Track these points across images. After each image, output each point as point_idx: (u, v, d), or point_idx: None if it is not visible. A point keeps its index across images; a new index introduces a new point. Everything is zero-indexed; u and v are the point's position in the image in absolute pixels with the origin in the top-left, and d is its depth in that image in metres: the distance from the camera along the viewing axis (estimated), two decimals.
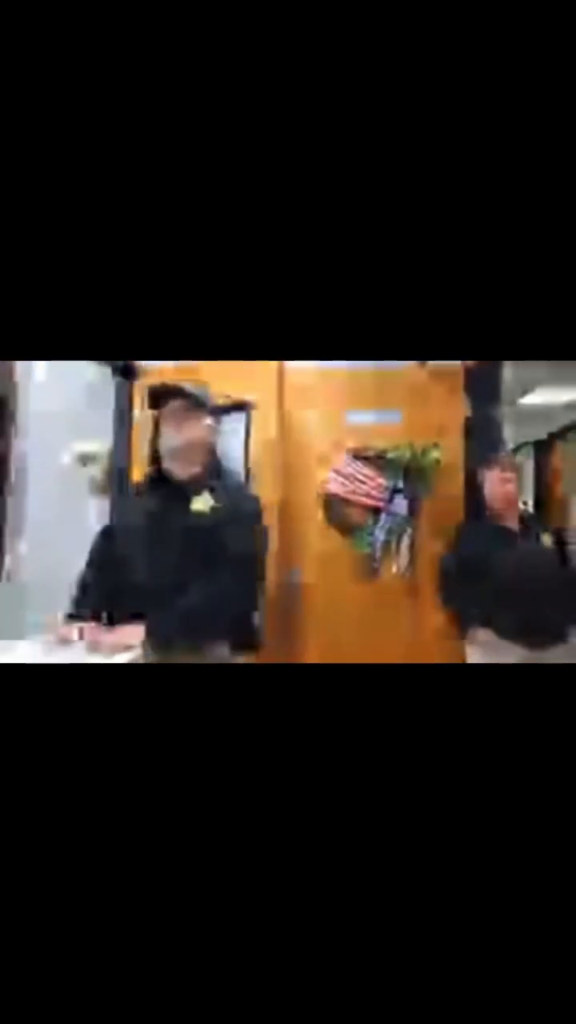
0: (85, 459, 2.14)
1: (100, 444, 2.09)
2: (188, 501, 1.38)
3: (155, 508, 1.40)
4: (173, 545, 1.34)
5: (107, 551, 1.46)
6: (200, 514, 1.37)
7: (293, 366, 2.22)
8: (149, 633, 1.25)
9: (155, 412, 1.43)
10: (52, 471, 1.98)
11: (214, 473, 1.46)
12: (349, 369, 2.17)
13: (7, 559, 1.81)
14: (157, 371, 2.25)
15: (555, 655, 1.78)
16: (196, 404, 1.41)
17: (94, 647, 1.20)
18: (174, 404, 1.40)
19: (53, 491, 1.62)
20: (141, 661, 1.17)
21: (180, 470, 1.43)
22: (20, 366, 1.90)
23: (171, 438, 1.40)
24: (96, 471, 2.08)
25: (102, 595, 1.40)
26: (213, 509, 1.38)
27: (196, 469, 1.43)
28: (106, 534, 1.51)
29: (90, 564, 1.47)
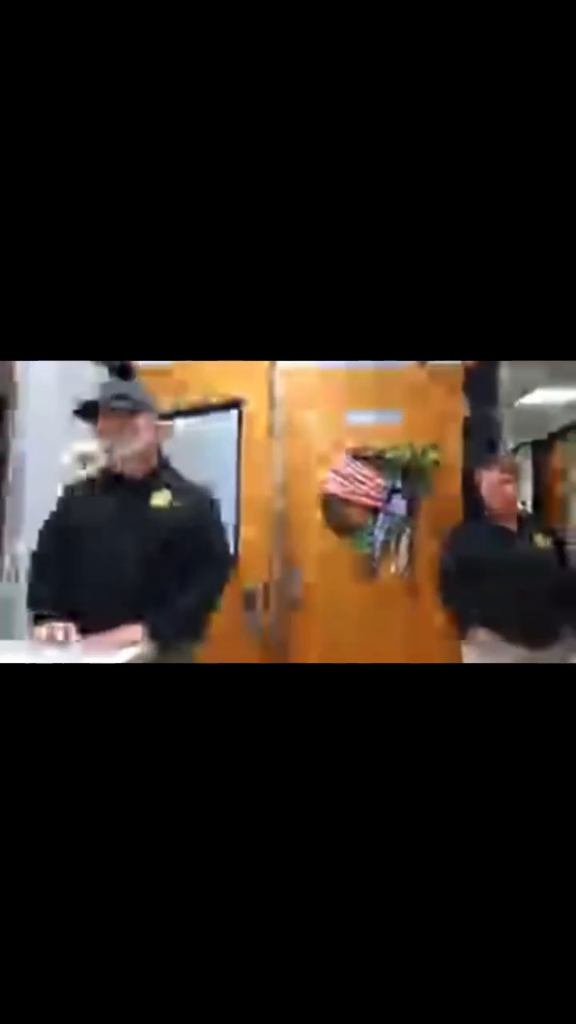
0: (84, 459, 2.13)
1: (99, 444, 2.09)
2: (146, 498, 1.39)
3: (113, 506, 1.39)
4: (136, 542, 1.34)
5: (60, 548, 1.42)
6: (159, 509, 1.38)
7: (293, 366, 2.22)
8: (150, 635, 1.26)
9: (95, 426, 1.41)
10: (51, 471, 1.97)
11: (166, 471, 1.47)
12: (349, 369, 2.17)
13: (6, 559, 1.81)
14: (166, 371, 2.27)
15: (553, 655, 1.79)
16: (127, 414, 1.38)
17: (93, 647, 1.20)
18: (104, 420, 1.38)
19: (52, 491, 1.62)
20: (141, 660, 1.17)
21: (134, 472, 1.43)
22: (20, 366, 1.90)
23: (117, 449, 1.39)
24: (95, 469, 2.08)
25: (59, 593, 1.37)
26: (173, 507, 1.39)
27: (147, 467, 1.44)
28: (52, 530, 1.47)
29: (43, 562, 1.45)
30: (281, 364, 2.23)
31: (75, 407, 1.40)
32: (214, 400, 2.35)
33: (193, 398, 2.36)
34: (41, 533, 1.49)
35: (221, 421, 2.38)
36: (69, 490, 1.51)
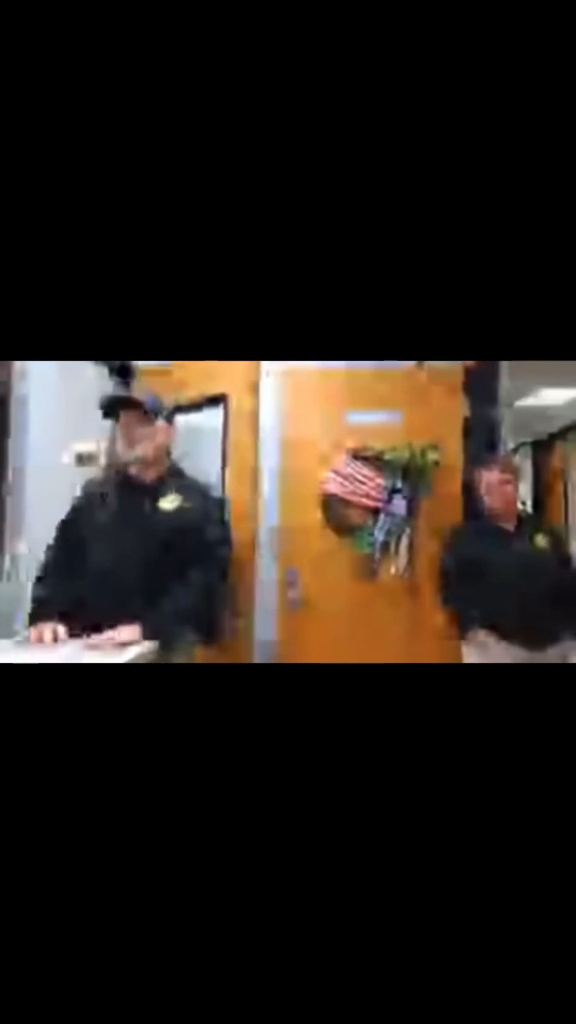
0: (84, 459, 2.13)
1: (99, 444, 2.09)
2: (155, 501, 1.42)
3: (123, 509, 1.42)
4: (143, 545, 1.36)
5: (70, 550, 1.45)
6: (168, 512, 1.41)
7: (293, 366, 2.22)
8: (148, 634, 1.26)
9: (113, 423, 1.46)
10: (52, 471, 1.98)
11: (175, 473, 1.50)
12: (349, 369, 2.17)
13: (6, 559, 1.81)
14: (166, 370, 2.27)
15: (553, 655, 1.79)
16: (148, 413, 1.43)
17: (91, 647, 1.20)
18: (130, 415, 1.42)
19: (52, 491, 1.63)
20: (142, 660, 1.17)
21: (145, 474, 1.46)
22: (20, 366, 1.90)
23: (135, 448, 1.43)
24: (95, 471, 2.08)
25: (68, 596, 1.39)
26: (181, 508, 1.42)
27: (160, 471, 1.48)
28: (64, 532, 1.49)
29: (52, 563, 1.47)
30: (281, 364, 2.23)
31: (100, 403, 1.44)
32: (199, 397, 2.35)
33: (189, 395, 2.36)
34: (56, 531, 1.51)
35: (207, 418, 2.38)
36: (83, 491, 1.54)
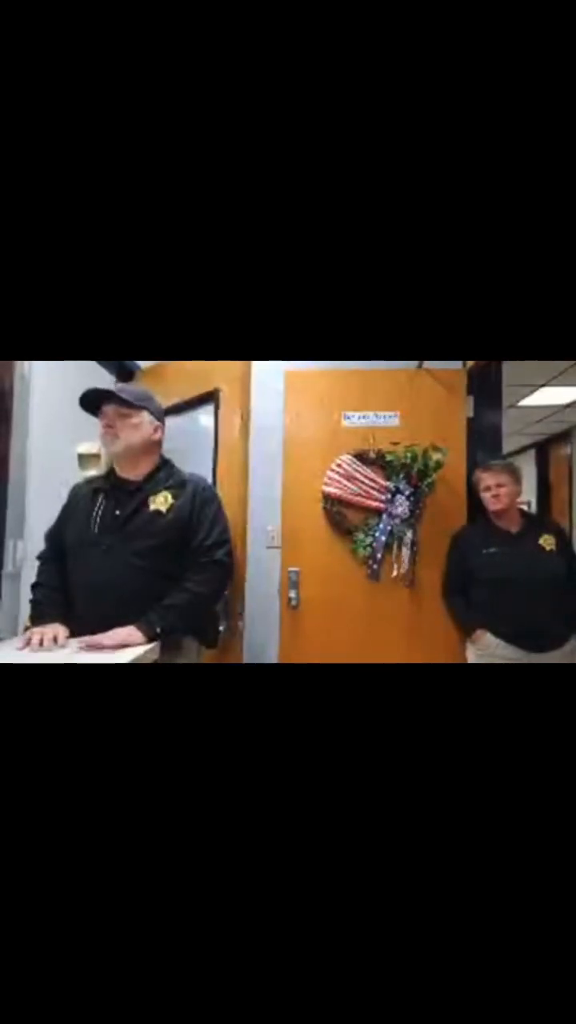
0: (85, 460, 2.13)
1: (100, 445, 2.09)
2: (145, 502, 1.39)
3: (113, 510, 1.39)
4: (134, 546, 1.34)
5: (63, 552, 1.44)
6: (159, 512, 1.38)
7: (294, 366, 2.22)
8: (146, 635, 1.25)
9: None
10: (52, 471, 1.98)
11: (165, 472, 1.46)
12: (348, 369, 2.17)
13: (7, 559, 1.81)
14: (160, 369, 2.26)
15: (555, 656, 1.78)
16: (130, 406, 1.40)
17: (90, 648, 1.20)
18: (108, 408, 1.40)
19: (54, 492, 1.63)
20: (142, 661, 1.17)
21: (129, 472, 1.43)
22: (20, 366, 1.90)
23: (112, 442, 1.40)
24: (96, 472, 2.08)
25: (65, 607, 1.37)
26: (171, 507, 1.38)
27: (145, 469, 1.44)
28: (55, 534, 1.48)
29: (46, 565, 1.46)
30: (281, 364, 2.23)
31: (80, 397, 1.41)
32: (189, 395, 2.35)
33: (182, 395, 2.37)
34: (46, 537, 1.50)
35: (201, 417, 2.38)
36: (73, 494, 1.52)
